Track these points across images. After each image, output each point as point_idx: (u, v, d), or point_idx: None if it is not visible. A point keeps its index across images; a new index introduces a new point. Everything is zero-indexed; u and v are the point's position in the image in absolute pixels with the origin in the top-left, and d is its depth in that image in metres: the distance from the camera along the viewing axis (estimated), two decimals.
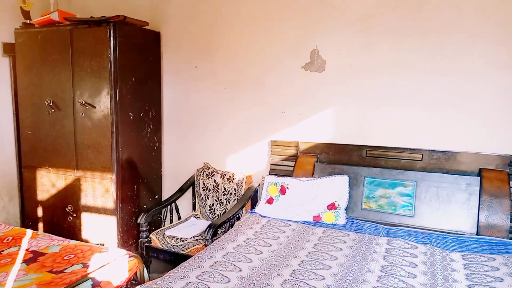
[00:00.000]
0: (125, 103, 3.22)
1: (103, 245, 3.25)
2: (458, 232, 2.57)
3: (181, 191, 3.52)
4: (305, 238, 2.53)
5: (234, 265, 2.11)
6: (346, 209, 2.85)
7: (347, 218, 2.83)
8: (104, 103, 3.15)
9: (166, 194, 3.81)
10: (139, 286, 1.90)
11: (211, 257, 2.20)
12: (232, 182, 3.39)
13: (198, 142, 3.70)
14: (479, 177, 2.60)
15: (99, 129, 3.19)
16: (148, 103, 3.54)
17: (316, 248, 2.36)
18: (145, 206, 3.57)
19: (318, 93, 3.15)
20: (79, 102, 3.21)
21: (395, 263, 2.15)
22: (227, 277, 1.96)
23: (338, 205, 2.83)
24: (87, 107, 3.20)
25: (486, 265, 2.13)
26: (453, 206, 2.63)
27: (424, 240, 2.46)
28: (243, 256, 2.22)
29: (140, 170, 3.49)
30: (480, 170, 2.63)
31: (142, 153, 3.51)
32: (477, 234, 2.52)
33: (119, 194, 3.24)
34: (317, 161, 3.13)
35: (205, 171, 3.55)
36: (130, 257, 2.43)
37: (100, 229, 3.32)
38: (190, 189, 3.62)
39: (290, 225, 2.76)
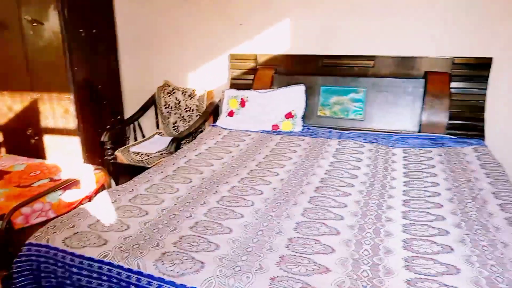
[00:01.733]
0: (74, 19, 3.07)
1: None
2: (403, 131, 2.81)
3: (143, 109, 3.55)
4: (264, 144, 2.70)
5: (196, 169, 2.26)
6: (302, 117, 3.00)
7: (303, 126, 3.00)
8: (52, 20, 2.99)
9: (128, 114, 3.83)
10: (105, 190, 2.02)
11: (174, 163, 2.33)
12: (194, 98, 3.44)
13: (157, 60, 3.65)
14: (424, 80, 2.77)
15: (51, 48, 3.07)
16: (101, 19, 3.39)
17: (273, 152, 2.54)
18: (107, 127, 3.60)
19: (275, 3, 3.11)
20: (25, 19, 3.03)
21: (343, 159, 2.37)
22: (189, 179, 2.11)
23: (295, 113, 2.97)
24: (35, 24, 3.03)
25: (423, 156, 2.38)
26: (399, 108, 2.83)
27: (371, 140, 2.68)
28: (205, 162, 2.37)
29: (99, 90, 3.45)
30: (426, 73, 2.80)
31: (100, 73, 3.44)
32: (419, 132, 2.77)
33: (79, 114, 3.23)
34: (275, 73, 3.20)
35: (165, 89, 3.56)
36: (96, 169, 2.54)
37: (64, 150, 3.36)
38: (153, 108, 3.65)
39: (250, 135, 2.91)
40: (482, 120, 2.71)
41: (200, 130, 3.24)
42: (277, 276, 1.27)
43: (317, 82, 3.04)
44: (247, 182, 2.06)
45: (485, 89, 2.71)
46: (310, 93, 3.03)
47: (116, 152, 3.13)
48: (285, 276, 1.27)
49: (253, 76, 3.26)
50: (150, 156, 3.06)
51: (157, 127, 3.69)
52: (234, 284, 1.25)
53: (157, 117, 3.67)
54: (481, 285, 1.22)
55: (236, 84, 3.34)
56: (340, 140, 2.70)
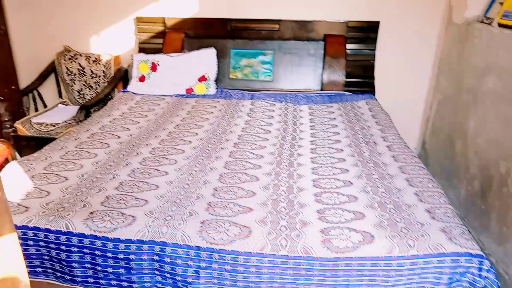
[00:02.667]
0: None
1: None
2: (307, 90, 3.07)
3: (42, 78, 3.27)
4: (179, 107, 2.73)
5: (112, 134, 2.22)
6: (215, 80, 3.08)
7: (217, 88, 3.08)
8: None
9: (24, 83, 3.48)
10: (13, 161, 1.90)
11: (87, 130, 2.25)
12: (99, 64, 3.26)
13: (54, 23, 3.34)
14: (323, 42, 3.04)
15: None
16: None
17: (190, 114, 2.60)
18: (1, 98, 3.24)
19: None
20: None
21: (257, 117, 2.54)
22: (107, 143, 2.08)
23: (208, 76, 3.04)
24: None
25: (325, 111, 2.67)
26: (303, 69, 3.08)
27: (280, 99, 2.89)
28: (120, 127, 2.33)
29: None
30: (325, 36, 3.06)
31: None
32: (321, 90, 3.06)
33: None
34: (185, 37, 3.19)
35: (66, 55, 3.31)
36: None
37: None
38: (53, 76, 3.38)
39: (164, 99, 2.90)
40: (373, 77, 3.10)
41: (110, 97, 3.12)
42: (207, 220, 1.40)
43: (227, 46, 3.12)
44: (167, 143, 2.11)
45: (374, 49, 3.08)
46: (221, 56, 3.10)
47: (16, 124, 2.87)
48: (214, 219, 1.40)
49: (162, 40, 3.21)
50: (56, 126, 2.88)
51: (60, 96, 3.44)
52: (168, 231, 1.34)
53: (58, 85, 3.41)
54: (374, 208, 1.49)
55: (145, 49, 3.25)
56: (252, 100, 2.86)
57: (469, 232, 2.26)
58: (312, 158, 1.95)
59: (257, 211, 1.46)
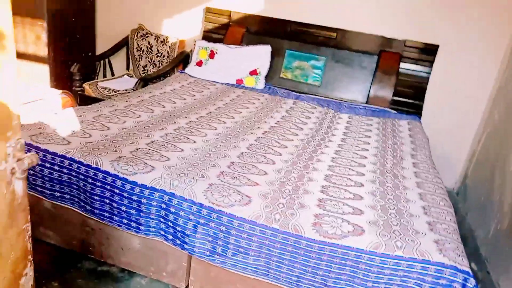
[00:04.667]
0: None
1: None
2: (352, 101, 3.10)
3: (114, 49, 3.63)
4: (226, 94, 2.91)
5: (159, 103, 2.44)
6: (266, 76, 3.22)
7: (265, 84, 3.22)
8: None
9: (99, 51, 3.89)
10: (68, 108, 2.18)
11: (139, 96, 2.50)
12: (166, 45, 3.56)
13: (134, 2, 3.71)
14: (377, 57, 3.06)
15: None
16: None
17: (233, 101, 2.76)
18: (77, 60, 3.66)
19: None
20: None
21: (294, 115, 2.63)
22: (152, 110, 2.30)
23: (259, 71, 3.19)
24: None
25: (364, 123, 2.69)
26: (352, 80, 3.11)
27: (323, 104, 2.96)
28: (168, 99, 2.55)
29: (72, 23, 3.49)
30: (380, 51, 3.08)
31: (74, 5, 3.47)
32: (366, 103, 3.07)
33: (51, 44, 3.28)
34: (246, 32, 3.37)
35: (139, 32, 3.65)
36: (63, 93, 2.66)
37: (32, 76, 3.41)
38: (124, 49, 3.74)
39: (215, 85, 3.10)
40: (422, 100, 3.05)
41: (168, 75, 3.39)
42: (215, 183, 1.53)
43: (283, 46, 3.25)
44: (204, 120, 2.28)
45: (429, 72, 3.03)
46: (275, 54, 3.24)
47: (84, 85, 3.23)
48: (221, 184, 1.53)
49: (225, 32, 3.42)
50: (117, 93, 3.19)
51: (127, 68, 3.79)
52: (178, 185, 1.49)
53: (128, 59, 3.76)
54: (376, 209, 1.52)
55: (208, 37, 3.49)
56: (295, 100, 2.95)
57: (488, 273, 2.17)
58: (333, 158, 2.00)
59: (263, 187, 1.56)
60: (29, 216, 0.94)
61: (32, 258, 0.99)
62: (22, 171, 0.84)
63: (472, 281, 1.24)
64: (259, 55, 3.21)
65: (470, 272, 1.26)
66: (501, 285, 2.08)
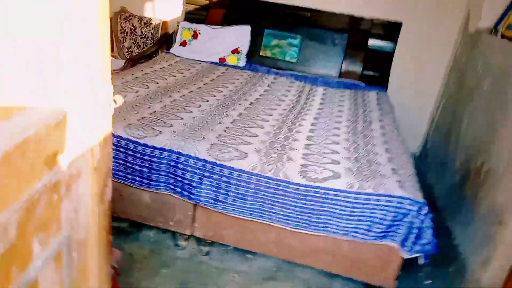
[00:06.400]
0: None
1: None
2: (326, 75, 3.40)
3: None
4: (211, 71, 3.14)
5: (152, 80, 2.65)
6: (247, 55, 3.46)
7: (247, 62, 3.46)
8: None
9: None
10: None
11: (132, 74, 2.70)
12: (149, 26, 3.72)
13: None
14: (347, 34, 3.36)
15: None
16: None
17: (219, 78, 3.00)
18: None
19: None
20: None
21: (276, 88, 2.91)
22: (147, 85, 2.51)
23: (241, 50, 3.42)
24: None
25: (338, 94, 3.00)
26: (326, 56, 3.40)
27: (300, 79, 3.24)
28: (160, 77, 2.76)
29: None
30: (350, 29, 3.37)
31: None
32: (339, 77, 3.38)
33: None
34: (226, 13, 3.58)
35: (122, 15, 3.78)
36: None
37: None
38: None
39: (200, 63, 3.32)
40: (388, 73, 3.39)
41: (154, 55, 3.57)
42: (215, 143, 1.79)
43: (262, 25, 3.49)
44: (196, 94, 2.51)
45: (394, 48, 3.36)
46: (255, 34, 3.47)
47: None
48: (221, 144, 1.80)
49: (206, 13, 3.62)
50: None
51: (112, 50, 3.92)
52: (184, 145, 1.74)
53: (111, 41, 3.89)
54: (350, 160, 1.83)
55: (190, 18, 3.66)
56: (275, 76, 3.22)
57: (443, 220, 2.56)
58: (312, 123, 2.30)
59: (256, 145, 1.84)
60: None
61: None
62: None
63: (425, 209, 1.58)
64: (239, 35, 3.44)
65: (424, 202, 1.59)
66: (453, 228, 2.47)
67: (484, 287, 1.87)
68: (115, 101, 0.93)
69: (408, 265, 1.79)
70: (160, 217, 1.90)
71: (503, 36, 2.47)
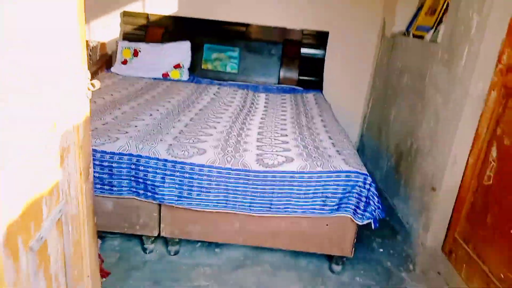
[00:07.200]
0: None
1: None
2: (266, 83, 3.63)
3: None
4: (156, 86, 3.20)
5: (98, 96, 2.66)
6: (189, 69, 3.58)
7: (190, 75, 3.58)
8: None
9: None
10: None
11: None
12: (87, 48, 3.70)
13: None
14: (282, 45, 3.63)
15: None
16: None
17: (165, 91, 3.08)
18: None
19: None
20: None
21: (221, 96, 3.05)
22: (94, 101, 2.51)
23: (183, 65, 3.54)
24: None
25: (279, 98, 3.22)
26: (264, 66, 3.64)
27: (243, 88, 3.42)
28: (105, 94, 2.77)
29: None
30: (284, 40, 3.65)
31: None
32: (278, 84, 3.62)
33: None
34: (165, 31, 3.69)
35: None
36: None
37: None
38: None
39: (143, 80, 3.37)
40: (322, 77, 3.70)
41: (94, 76, 3.55)
42: (173, 144, 1.88)
43: (202, 41, 3.65)
44: (144, 105, 2.57)
45: (324, 55, 3.69)
46: (195, 49, 3.61)
47: None
48: (179, 144, 1.89)
49: (144, 32, 3.70)
50: None
51: None
52: (143, 147, 1.81)
53: None
54: (299, 147, 2.01)
55: (129, 38, 3.71)
56: (219, 86, 3.37)
57: (386, 198, 2.83)
58: (261, 121, 2.47)
59: (212, 142, 1.95)
60: None
61: None
62: None
63: (369, 179, 1.79)
64: (180, 50, 3.56)
65: (368, 174, 1.81)
66: (395, 204, 2.75)
67: (428, 247, 2.13)
68: (93, 85, 1.00)
69: (362, 238, 1.99)
70: (125, 223, 1.92)
71: (414, 36, 2.86)
